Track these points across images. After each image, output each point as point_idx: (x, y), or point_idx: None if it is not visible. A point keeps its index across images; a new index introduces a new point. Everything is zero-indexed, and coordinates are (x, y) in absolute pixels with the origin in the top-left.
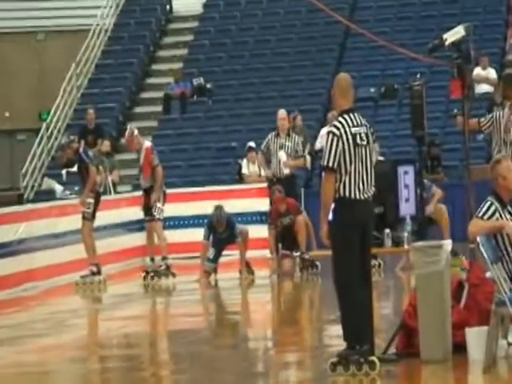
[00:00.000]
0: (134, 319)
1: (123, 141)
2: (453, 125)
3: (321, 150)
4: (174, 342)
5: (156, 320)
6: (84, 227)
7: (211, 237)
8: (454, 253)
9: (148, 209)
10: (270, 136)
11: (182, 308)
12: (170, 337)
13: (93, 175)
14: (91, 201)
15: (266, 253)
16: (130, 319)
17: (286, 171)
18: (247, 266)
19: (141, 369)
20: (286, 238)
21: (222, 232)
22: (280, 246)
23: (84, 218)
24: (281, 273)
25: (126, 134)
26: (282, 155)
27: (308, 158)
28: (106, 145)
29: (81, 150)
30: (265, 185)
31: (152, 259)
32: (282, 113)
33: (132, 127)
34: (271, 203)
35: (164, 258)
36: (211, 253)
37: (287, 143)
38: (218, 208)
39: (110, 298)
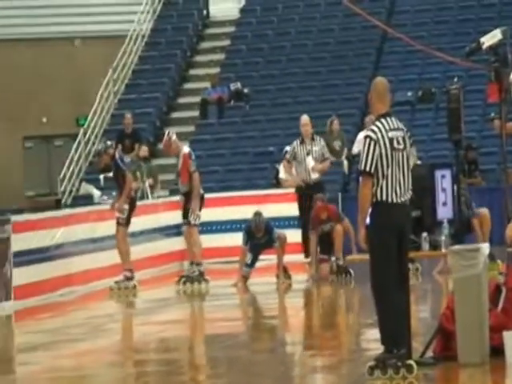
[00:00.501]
0: (171, 324)
1: (160, 146)
2: (490, 128)
3: (358, 155)
4: (211, 346)
5: (193, 324)
6: (118, 233)
7: (249, 242)
8: (491, 257)
9: (186, 213)
10: (294, 144)
11: (219, 312)
12: (208, 341)
13: (129, 182)
14: (126, 207)
15: (301, 257)
16: (166, 324)
17: (315, 176)
18: (284, 271)
19: (178, 373)
20: (324, 243)
21: (261, 237)
22: (318, 250)
23: (118, 223)
24: (318, 277)
25: (164, 138)
26: (310, 161)
27: (345, 162)
28: (144, 150)
29: (117, 156)
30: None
31: (191, 263)
32: (304, 119)
33: (170, 132)
34: (300, 209)
35: (198, 264)
36: (249, 258)
37: (314, 148)
38: (257, 214)
39: (145, 303)
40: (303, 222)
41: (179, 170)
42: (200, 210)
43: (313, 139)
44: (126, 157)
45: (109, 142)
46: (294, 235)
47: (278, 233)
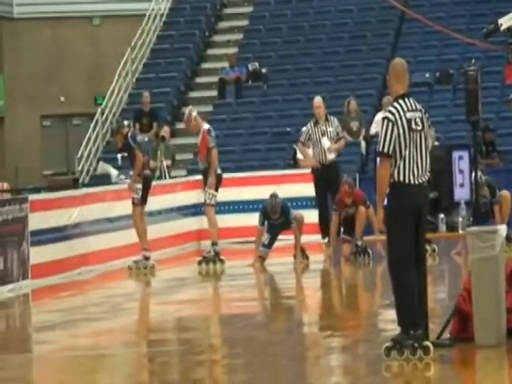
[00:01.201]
0: (188, 303)
1: (178, 125)
2: (508, 110)
3: (376, 135)
4: (227, 326)
5: (210, 304)
6: (134, 212)
7: (266, 223)
8: (508, 238)
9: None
10: (308, 125)
11: (236, 293)
12: (224, 321)
13: (138, 160)
14: (139, 186)
15: (319, 238)
16: (183, 303)
17: (331, 156)
18: (302, 251)
19: (195, 353)
20: (347, 224)
21: (277, 219)
22: (341, 230)
23: (133, 203)
24: (337, 257)
25: (185, 114)
26: (326, 142)
27: (363, 142)
28: (165, 130)
29: (129, 134)
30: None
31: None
32: (317, 101)
33: (191, 109)
34: (317, 189)
35: (213, 244)
36: (266, 238)
37: (328, 128)
38: (273, 196)
39: (163, 283)
40: (320, 202)
41: (198, 146)
42: (217, 189)
43: (327, 120)
44: (141, 135)
45: (125, 122)
46: (311, 216)
47: (295, 214)
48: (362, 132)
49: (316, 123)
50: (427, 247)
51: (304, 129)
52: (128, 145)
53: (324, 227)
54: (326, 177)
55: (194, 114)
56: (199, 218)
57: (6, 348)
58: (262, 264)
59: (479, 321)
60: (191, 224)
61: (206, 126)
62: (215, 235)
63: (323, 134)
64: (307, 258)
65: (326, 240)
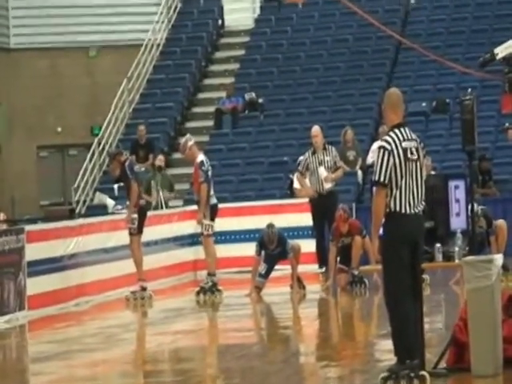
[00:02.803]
0: (185, 334)
1: (175, 155)
2: (504, 139)
3: (372, 165)
4: (224, 356)
5: (206, 334)
6: (132, 243)
7: (263, 252)
8: (505, 267)
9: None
10: (306, 155)
11: (233, 323)
12: (221, 351)
13: (134, 191)
14: (135, 216)
15: (315, 267)
16: (180, 334)
17: (328, 186)
18: (298, 281)
19: (192, 383)
20: (344, 254)
21: (274, 249)
22: (337, 260)
23: (130, 233)
24: (335, 288)
25: (181, 144)
26: (323, 171)
27: (359, 172)
28: (160, 159)
29: (127, 163)
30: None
31: (208, 273)
32: (315, 130)
33: (188, 138)
34: (314, 219)
35: (211, 274)
36: (263, 268)
37: (326, 158)
38: (270, 226)
39: (160, 313)
40: (317, 232)
41: (193, 178)
42: (213, 219)
43: (325, 149)
44: (138, 166)
45: (123, 151)
46: (308, 245)
47: (292, 243)
48: (358, 162)
49: (314, 152)
50: (424, 277)
51: (301, 158)
52: (125, 174)
53: (321, 257)
54: (323, 206)
55: (190, 143)
56: (195, 248)
57: (3, 379)
58: (258, 294)
59: (476, 351)
60: (187, 254)
61: (200, 159)
62: (213, 266)
63: (320, 164)
64: (304, 287)
65: (323, 270)
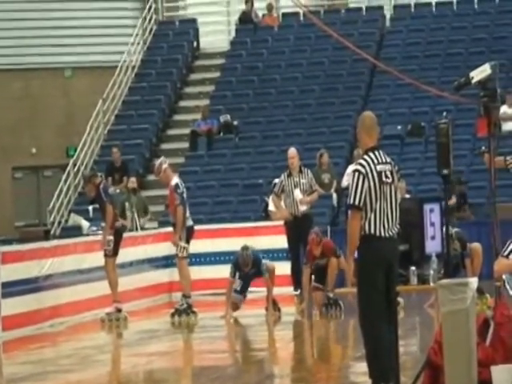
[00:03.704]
0: (160, 355)
1: (150, 177)
2: (479, 163)
3: (347, 188)
4: (199, 378)
5: (181, 356)
6: (107, 264)
7: (237, 274)
8: (479, 291)
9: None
10: (282, 177)
11: (208, 345)
12: (195, 373)
13: (110, 213)
14: (111, 238)
15: (291, 290)
16: (155, 355)
17: (303, 208)
18: (274, 303)
19: None
20: (318, 273)
21: (249, 270)
22: (312, 279)
23: (106, 255)
24: (310, 309)
25: (156, 166)
26: (298, 194)
27: (334, 195)
28: (132, 181)
29: (101, 185)
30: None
31: (183, 295)
32: (291, 152)
33: (162, 161)
34: (289, 241)
35: (186, 297)
36: (238, 284)
37: (302, 180)
38: (244, 249)
39: (135, 335)
40: (292, 254)
41: (168, 200)
42: (188, 242)
43: (300, 171)
44: (113, 188)
45: (98, 173)
46: (283, 267)
47: (267, 264)
48: (333, 184)
49: (289, 175)
50: (398, 300)
51: (277, 180)
52: (100, 197)
53: (296, 279)
54: (298, 229)
55: (165, 166)
56: (170, 269)
57: None
58: (235, 310)
59: (450, 374)
60: (162, 276)
61: (174, 182)
62: (188, 288)
63: (296, 186)
64: (279, 310)
65: (298, 292)
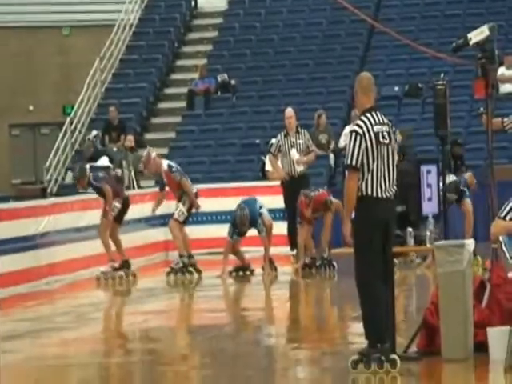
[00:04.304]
0: (156, 314)
1: (147, 136)
2: (477, 124)
3: (344, 148)
4: (195, 337)
5: (178, 315)
6: (101, 225)
7: (235, 232)
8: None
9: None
10: (278, 137)
11: (205, 303)
12: (192, 332)
13: (108, 192)
14: (118, 205)
15: (287, 249)
16: (151, 314)
17: (300, 169)
18: (270, 262)
19: (162, 363)
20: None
21: (246, 229)
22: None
23: (105, 217)
24: (303, 264)
25: (144, 155)
26: (294, 154)
27: (331, 156)
28: (129, 139)
29: (91, 179)
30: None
31: (189, 255)
32: (288, 111)
33: (150, 149)
34: (286, 201)
35: (181, 256)
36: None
37: (298, 141)
38: (242, 208)
39: (132, 293)
40: (288, 214)
41: (168, 186)
42: (189, 210)
43: (297, 132)
44: (111, 146)
45: (94, 132)
46: (279, 227)
47: (265, 220)
48: (330, 145)
49: (286, 134)
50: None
51: (274, 140)
52: (95, 187)
53: (292, 239)
54: (294, 189)
55: (154, 154)
56: (167, 228)
57: None
58: (234, 251)
59: (446, 335)
60: (159, 234)
61: (165, 166)
62: (181, 247)
63: (293, 146)
64: (276, 269)
65: (295, 252)
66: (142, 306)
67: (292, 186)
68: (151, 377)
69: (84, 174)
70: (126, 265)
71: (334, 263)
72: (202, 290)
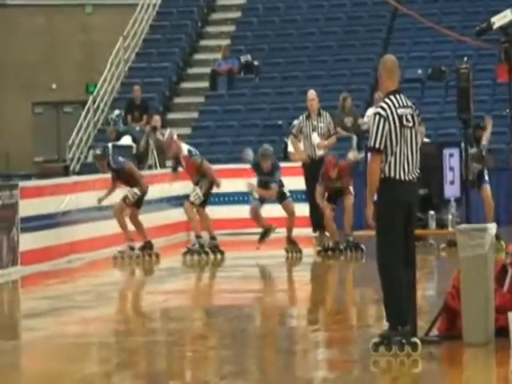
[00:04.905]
0: (176, 294)
1: (170, 115)
2: (499, 108)
3: (367, 131)
4: (216, 317)
5: (199, 295)
6: (117, 207)
7: (256, 173)
8: (497, 236)
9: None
10: (300, 118)
11: (226, 284)
12: (213, 312)
13: (134, 170)
14: (138, 193)
15: (309, 231)
16: (172, 293)
17: (320, 152)
18: (294, 244)
19: (183, 343)
20: (332, 195)
21: (267, 173)
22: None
23: (124, 201)
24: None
25: (165, 137)
26: (315, 138)
27: (355, 137)
28: (156, 120)
29: (110, 162)
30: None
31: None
32: (311, 93)
33: (171, 132)
34: (307, 183)
35: (197, 237)
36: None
37: (320, 124)
38: (264, 156)
39: (152, 273)
40: (310, 196)
41: (186, 171)
42: (206, 194)
43: (319, 114)
44: (133, 125)
45: (116, 111)
46: (301, 209)
47: (287, 203)
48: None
49: (308, 116)
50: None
51: (296, 122)
52: (115, 170)
53: (314, 221)
54: (315, 171)
55: (175, 137)
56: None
57: None
58: (257, 213)
59: (467, 319)
60: (180, 215)
61: (186, 149)
62: (197, 229)
63: (314, 129)
64: (300, 251)
65: (317, 233)
66: (162, 285)
67: (313, 169)
68: (171, 356)
69: (104, 155)
70: (148, 245)
71: (362, 246)
72: (223, 270)
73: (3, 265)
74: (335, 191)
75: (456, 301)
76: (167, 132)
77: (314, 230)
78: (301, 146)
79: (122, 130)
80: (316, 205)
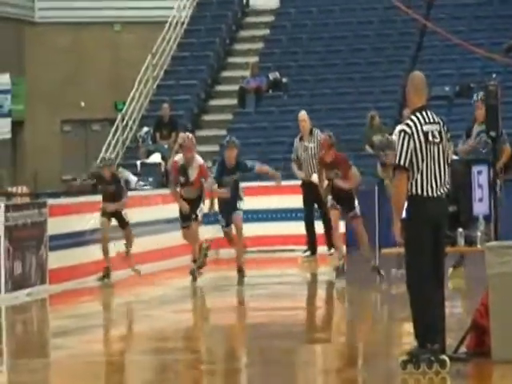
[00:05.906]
0: (203, 312)
1: (198, 133)
2: None
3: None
4: (242, 335)
5: (224, 314)
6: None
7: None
8: None
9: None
10: (295, 142)
11: (253, 302)
12: (239, 330)
13: (122, 202)
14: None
15: (325, 249)
16: (197, 312)
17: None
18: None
19: (210, 362)
20: (334, 193)
21: (231, 169)
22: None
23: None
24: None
25: (188, 140)
26: (315, 178)
27: (370, 150)
28: (181, 137)
29: (120, 179)
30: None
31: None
32: (302, 115)
33: (192, 136)
34: (304, 196)
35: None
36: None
37: (310, 144)
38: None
39: (178, 291)
40: (306, 215)
41: (194, 179)
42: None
43: (311, 134)
44: (161, 142)
45: (145, 129)
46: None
47: (235, 219)
48: None
49: (301, 138)
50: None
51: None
52: (115, 181)
53: (328, 239)
54: (311, 193)
55: (194, 140)
56: (213, 226)
57: (24, 352)
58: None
59: (496, 336)
60: (208, 232)
61: (201, 161)
62: (196, 251)
63: (305, 151)
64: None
65: (332, 251)
66: (188, 304)
67: (310, 189)
68: (197, 375)
69: (111, 163)
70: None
71: (382, 272)
72: (252, 288)
73: (32, 283)
74: (338, 198)
75: (484, 318)
76: (188, 136)
77: (329, 248)
78: (299, 172)
79: (151, 149)
80: (313, 225)
